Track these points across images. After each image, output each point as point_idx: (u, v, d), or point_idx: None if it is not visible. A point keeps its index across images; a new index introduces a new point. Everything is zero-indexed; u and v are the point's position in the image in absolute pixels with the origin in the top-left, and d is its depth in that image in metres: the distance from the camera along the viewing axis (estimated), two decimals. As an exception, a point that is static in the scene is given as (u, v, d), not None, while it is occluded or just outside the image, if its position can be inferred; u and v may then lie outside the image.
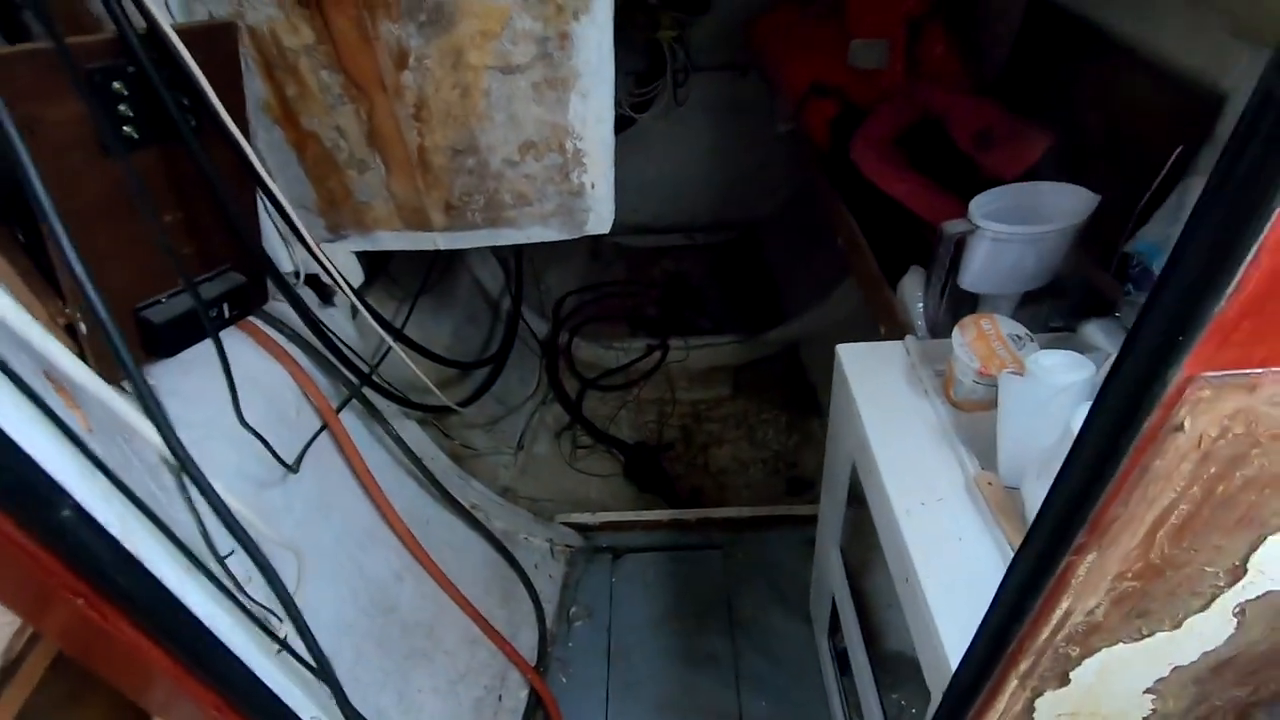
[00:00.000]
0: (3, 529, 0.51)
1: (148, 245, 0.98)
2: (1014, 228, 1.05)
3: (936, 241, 1.14)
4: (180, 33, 0.90)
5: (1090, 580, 0.39)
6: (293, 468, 1.25)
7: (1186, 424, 0.30)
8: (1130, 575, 0.39)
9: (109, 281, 0.66)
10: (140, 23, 0.87)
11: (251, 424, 1.13)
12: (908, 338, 1.18)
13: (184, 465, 0.77)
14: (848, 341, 1.19)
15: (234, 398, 1.02)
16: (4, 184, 0.75)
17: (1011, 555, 0.79)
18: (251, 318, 1.29)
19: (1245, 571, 0.39)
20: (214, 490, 0.79)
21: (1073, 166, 1.34)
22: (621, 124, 2.69)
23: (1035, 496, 0.83)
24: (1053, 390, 0.84)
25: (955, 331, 1.02)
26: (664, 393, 2.49)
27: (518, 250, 2.29)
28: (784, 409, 2.40)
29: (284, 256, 1.29)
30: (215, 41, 0.99)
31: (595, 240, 3.06)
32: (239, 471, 1.16)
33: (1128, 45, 1.23)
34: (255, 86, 1.09)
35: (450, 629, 1.64)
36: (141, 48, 0.85)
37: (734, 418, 2.42)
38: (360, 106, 1.11)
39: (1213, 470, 0.33)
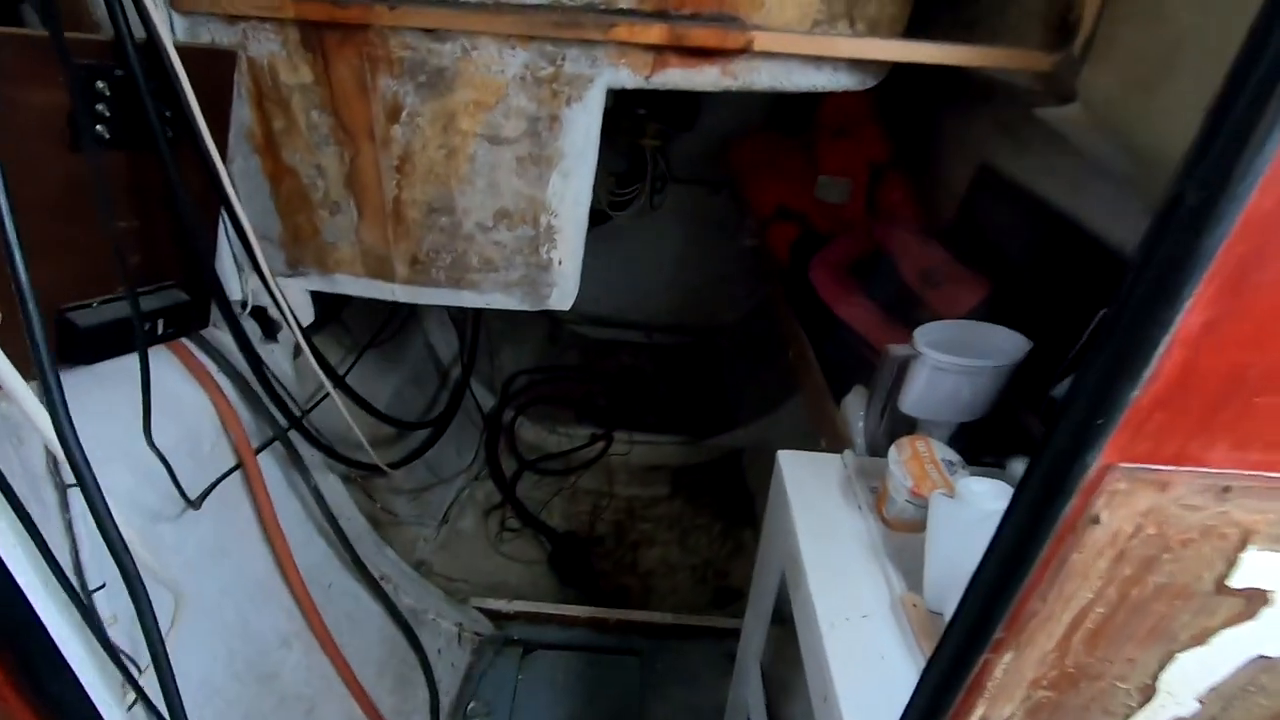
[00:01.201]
0: None
1: (89, 248, 0.95)
2: (952, 358, 1.10)
3: (880, 363, 1.18)
4: (179, 49, 0.91)
5: (1006, 684, 0.39)
6: (194, 503, 1.16)
7: (1103, 516, 0.31)
8: (1045, 683, 0.38)
9: (39, 275, 0.63)
10: (141, 33, 0.88)
11: (165, 450, 1.05)
12: (846, 452, 1.20)
13: (80, 479, 0.71)
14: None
15: (146, 416, 0.96)
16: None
17: (930, 678, 0.78)
18: (185, 340, 1.24)
19: (1155, 692, 0.39)
20: (108, 512, 0.72)
21: (1007, 314, 1.44)
22: (598, 218, 2.80)
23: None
24: (980, 515, 0.86)
25: (892, 450, 1.04)
26: (602, 484, 2.45)
27: (476, 319, 2.29)
28: (719, 516, 2.37)
29: (234, 283, 1.26)
30: (212, 65, 1.00)
31: (554, 325, 3.09)
32: (133, 500, 1.07)
33: (1063, 214, 1.36)
34: (242, 114, 1.10)
35: (332, 709, 1.49)
36: (136, 55, 0.86)
37: (669, 519, 2.38)
38: (345, 150, 1.13)
39: (1127, 572, 0.33)
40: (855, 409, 1.34)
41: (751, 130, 2.33)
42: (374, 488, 1.82)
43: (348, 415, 1.48)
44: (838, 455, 1.21)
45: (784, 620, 1.23)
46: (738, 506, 2.39)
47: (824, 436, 1.42)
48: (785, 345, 1.75)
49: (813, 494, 1.10)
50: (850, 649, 0.87)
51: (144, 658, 0.99)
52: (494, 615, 1.90)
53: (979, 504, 0.86)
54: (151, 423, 1.01)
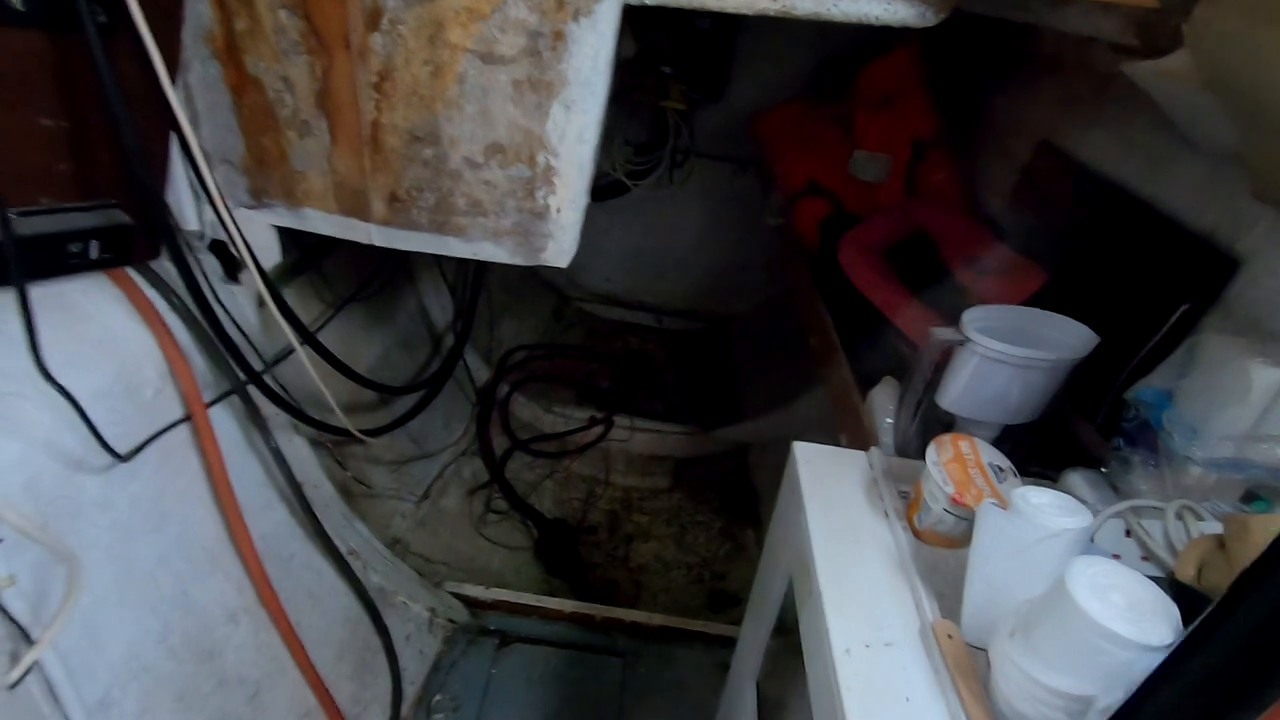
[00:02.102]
0: None
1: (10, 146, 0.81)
2: (1007, 346, 0.93)
3: (919, 351, 1.02)
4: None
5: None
6: (122, 456, 1.02)
7: None
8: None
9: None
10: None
11: (89, 391, 0.91)
12: (872, 449, 1.04)
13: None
14: None
15: (32, 340, 0.82)
16: None
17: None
18: (130, 271, 1.10)
19: None
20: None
21: (1066, 308, 1.27)
22: (614, 189, 2.64)
23: (1005, 662, 0.67)
24: (1041, 534, 0.70)
25: (930, 448, 0.88)
26: (598, 471, 2.30)
27: (475, 283, 2.14)
28: (720, 514, 2.22)
29: (190, 212, 1.12)
30: (161, -58, 0.85)
31: (560, 301, 2.94)
32: (48, 444, 0.93)
33: (1140, 199, 1.18)
34: (200, 10, 0.95)
35: (281, 694, 1.36)
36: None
37: (666, 513, 2.23)
38: (317, 61, 0.98)
39: None
40: (883, 403, 1.18)
41: (784, 98, 2.15)
42: (348, 456, 1.68)
43: (314, 374, 1.33)
44: (861, 453, 1.05)
45: (787, 635, 1.08)
46: (741, 505, 2.23)
47: (845, 433, 1.26)
48: (806, 332, 1.58)
49: (832, 494, 0.95)
50: (869, 683, 0.71)
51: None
52: (470, 602, 1.76)
53: (1041, 520, 0.70)
54: (78, 363, 0.87)
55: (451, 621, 1.74)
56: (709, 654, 1.75)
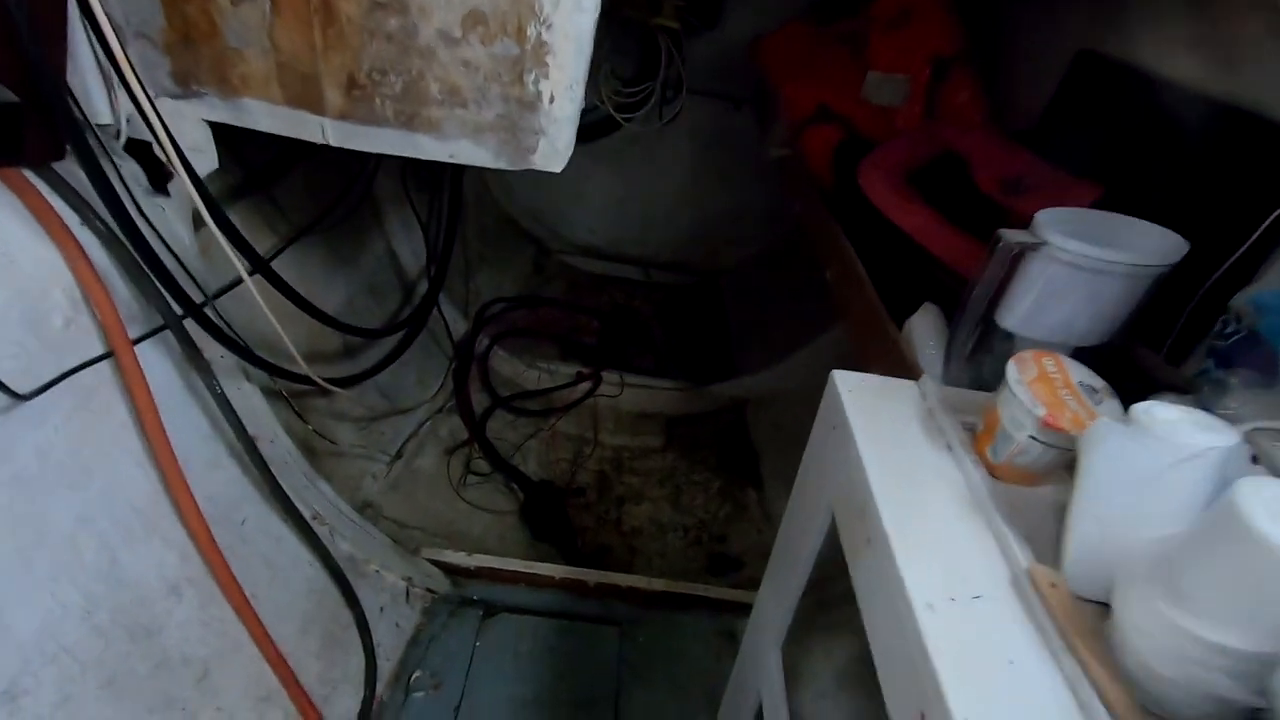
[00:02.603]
0: None
1: None
2: (1096, 249, 0.79)
3: (986, 257, 0.87)
4: None
5: None
6: (22, 395, 0.84)
7: None
8: None
9: None
10: None
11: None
12: (924, 378, 0.90)
13: None
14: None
15: None
16: None
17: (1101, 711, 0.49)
18: (28, 173, 0.89)
19: None
20: None
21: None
22: (603, 128, 2.45)
23: (1142, 615, 0.53)
24: (1178, 455, 0.56)
25: (1010, 368, 0.73)
26: (585, 430, 2.14)
27: (451, 220, 1.94)
28: (718, 473, 2.08)
29: (100, 100, 0.92)
30: None
31: (541, 252, 2.75)
32: (-85, 375, 0.75)
33: (1211, 96, 1.04)
34: None
35: (235, 675, 1.19)
36: None
37: (660, 473, 2.08)
38: (248, -104, 0.78)
39: None
40: (924, 331, 1.04)
41: (787, 18, 1.97)
42: (309, 408, 1.50)
43: (267, 310, 1.14)
44: (908, 382, 0.90)
45: (821, 586, 0.95)
46: (740, 463, 2.10)
47: (877, 366, 1.11)
48: (822, 264, 1.43)
49: (883, 427, 0.80)
50: (961, 644, 0.57)
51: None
52: (451, 570, 1.60)
53: (1178, 439, 0.56)
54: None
55: (430, 591, 1.58)
56: (713, 620, 1.62)
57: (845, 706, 1.31)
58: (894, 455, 0.76)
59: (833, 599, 1.10)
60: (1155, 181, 1.11)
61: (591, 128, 2.43)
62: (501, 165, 0.97)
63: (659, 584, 1.62)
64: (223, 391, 1.16)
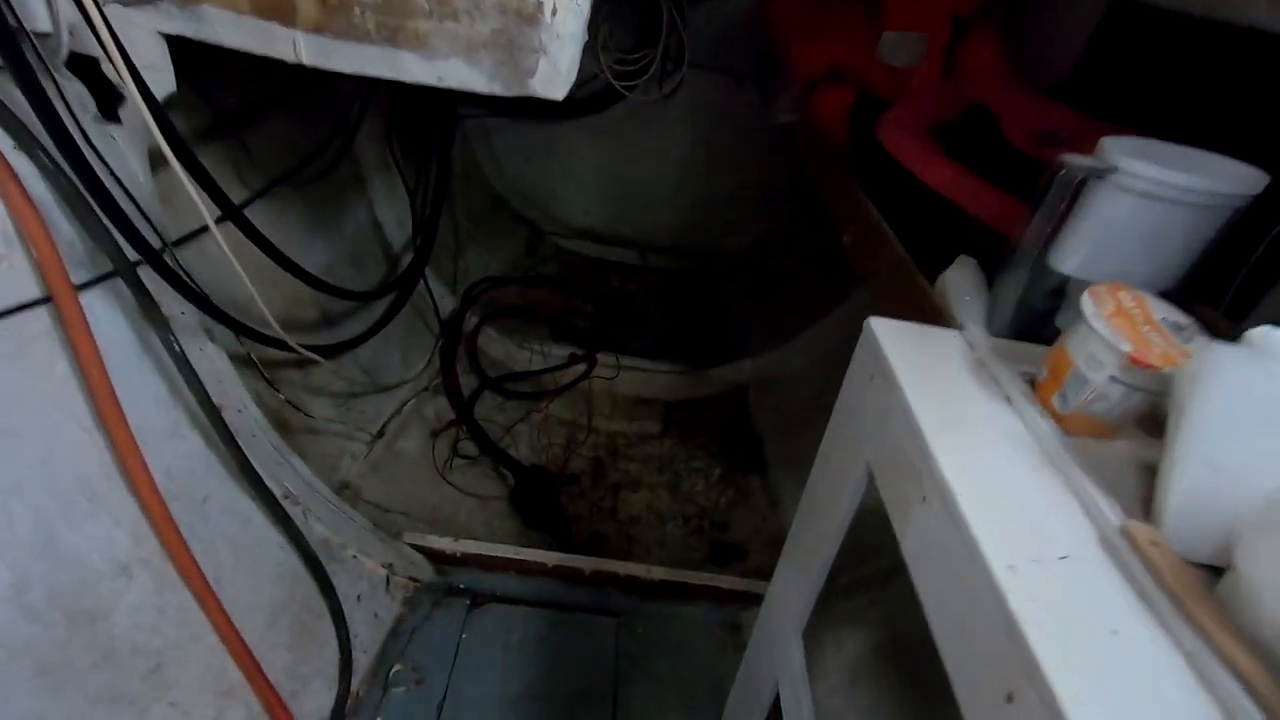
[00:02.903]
0: None
1: None
2: (1175, 174, 0.70)
3: (1042, 189, 0.77)
4: None
5: None
6: (-65, 333, 0.72)
7: None
8: None
9: None
10: None
11: None
12: (970, 328, 0.80)
13: None
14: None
15: None
16: None
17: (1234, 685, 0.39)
18: (-52, 84, 0.78)
19: None
20: None
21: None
22: (597, 103, 2.35)
23: (1269, 575, 0.44)
24: (1314, 383, 0.46)
25: (1085, 301, 0.64)
26: (579, 415, 2.04)
27: (440, 189, 1.83)
28: (719, 459, 1.98)
29: (39, 6, 0.80)
30: None
31: (534, 234, 2.64)
32: None
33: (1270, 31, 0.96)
34: None
35: (192, 667, 1.07)
36: None
37: (658, 460, 1.98)
38: None
39: None
40: (962, 284, 0.94)
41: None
42: (283, 378, 1.38)
43: (236, 263, 1.03)
44: (950, 331, 0.81)
45: (833, 585, 0.86)
46: (742, 449, 2.00)
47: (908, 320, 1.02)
48: (839, 229, 1.34)
49: (930, 377, 0.70)
50: (1054, 613, 0.47)
51: None
52: (435, 556, 1.48)
53: (1314, 362, 0.47)
54: None
55: (413, 580, 1.47)
56: (717, 612, 1.51)
57: (858, 703, 1.20)
58: (946, 406, 0.66)
59: (842, 589, 1.01)
60: (1206, 129, 1.02)
61: (588, 100, 2.33)
62: (496, 90, 0.86)
63: (659, 572, 1.51)
64: (182, 351, 1.04)
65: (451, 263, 2.17)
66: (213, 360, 1.16)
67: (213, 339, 1.15)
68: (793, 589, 0.95)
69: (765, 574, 1.70)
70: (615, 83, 2.02)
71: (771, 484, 1.86)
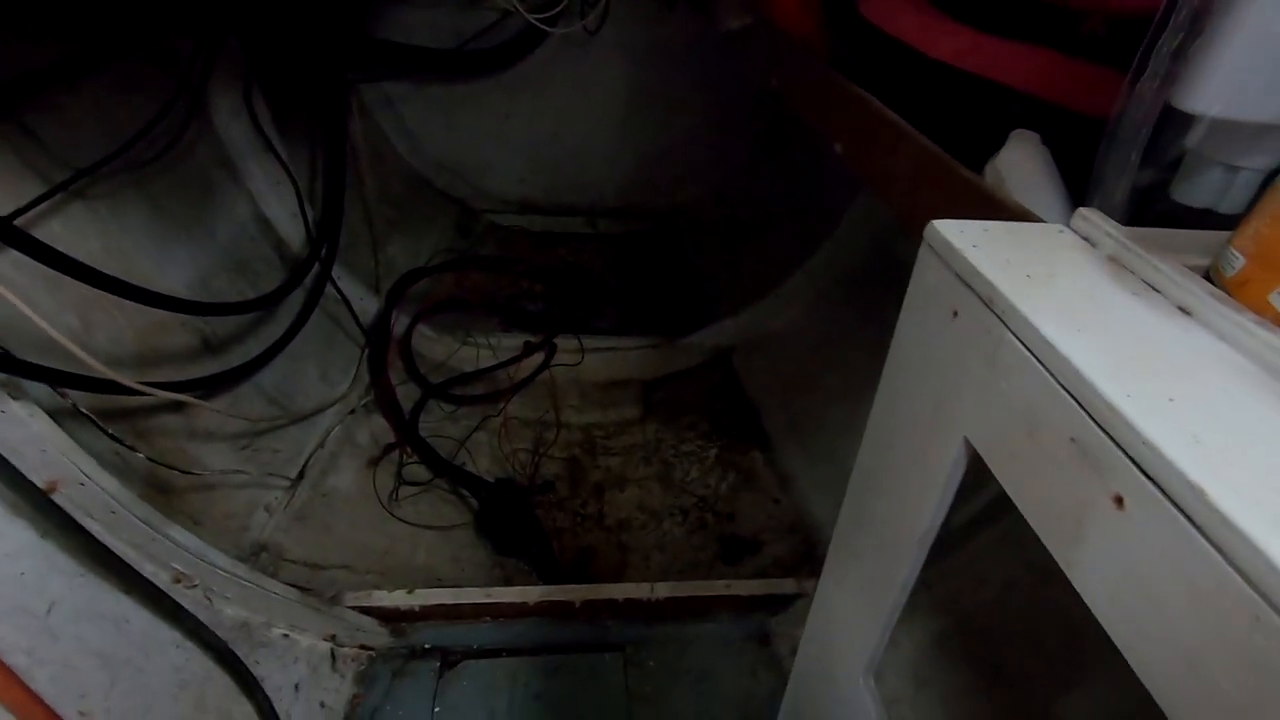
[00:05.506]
0: None
1: None
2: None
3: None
4: None
5: None
6: None
7: None
8: None
9: None
10: None
11: None
12: (1081, 214, 0.54)
13: None
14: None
15: None
16: None
17: None
18: None
19: None
20: None
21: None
22: (511, 51, 2.05)
23: None
24: None
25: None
26: (544, 411, 1.76)
27: (336, 171, 1.51)
28: (713, 438, 1.73)
29: None
30: None
31: (466, 213, 2.33)
32: None
33: None
34: None
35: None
36: None
37: (643, 449, 1.72)
38: None
39: None
40: (1023, 167, 0.68)
41: None
42: (151, 429, 1.07)
43: (10, 293, 0.72)
44: (1042, 226, 0.55)
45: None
46: (737, 423, 1.75)
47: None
48: (830, 137, 1.07)
49: (1064, 300, 0.44)
50: None
51: None
52: (389, 616, 1.20)
53: None
54: None
55: (364, 649, 1.19)
56: (741, 623, 1.26)
57: (931, 714, 0.98)
58: (1109, 343, 0.40)
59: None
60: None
61: (504, 48, 2.01)
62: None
63: (663, 589, 1.25)
64: (-44, 418, 0.74)
65: (370, 256, 1.86)
66: (24, 425, 0.85)
67: (14, 397, 0.84)
68: (854, 619, 0.69)
69: (786, 567, 1.46)
70: (531, 19, 1.70)
71: (777, 458, 1.61)
